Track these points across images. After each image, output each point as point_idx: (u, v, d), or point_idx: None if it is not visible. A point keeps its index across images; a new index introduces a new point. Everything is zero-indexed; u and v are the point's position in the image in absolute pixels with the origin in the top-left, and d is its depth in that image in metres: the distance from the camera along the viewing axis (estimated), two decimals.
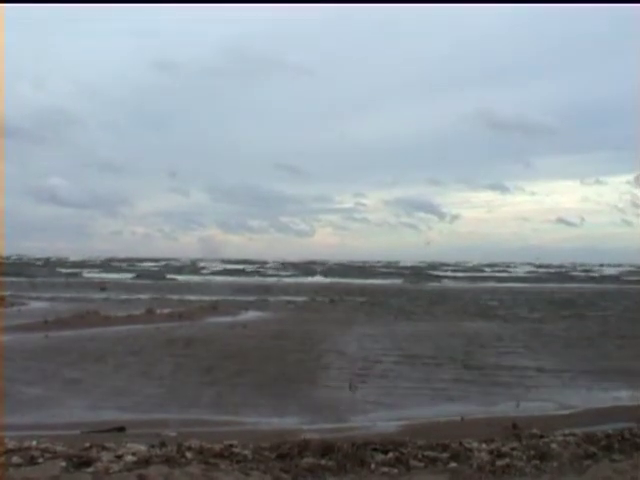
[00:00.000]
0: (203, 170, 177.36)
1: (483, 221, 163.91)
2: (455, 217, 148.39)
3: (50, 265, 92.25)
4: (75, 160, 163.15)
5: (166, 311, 26.60)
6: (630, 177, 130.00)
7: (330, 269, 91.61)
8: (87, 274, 76.20)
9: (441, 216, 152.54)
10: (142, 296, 38.11)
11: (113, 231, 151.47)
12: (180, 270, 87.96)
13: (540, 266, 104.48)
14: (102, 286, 46.37)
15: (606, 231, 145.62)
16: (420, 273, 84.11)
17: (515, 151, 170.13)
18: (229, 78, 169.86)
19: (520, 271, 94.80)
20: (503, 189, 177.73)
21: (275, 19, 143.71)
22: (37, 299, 33.71)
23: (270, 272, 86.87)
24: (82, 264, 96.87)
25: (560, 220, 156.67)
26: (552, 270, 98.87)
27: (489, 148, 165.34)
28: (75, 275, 73.01)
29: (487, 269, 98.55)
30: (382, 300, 38.27)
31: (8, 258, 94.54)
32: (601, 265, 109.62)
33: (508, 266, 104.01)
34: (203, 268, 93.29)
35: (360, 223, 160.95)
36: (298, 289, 49.27)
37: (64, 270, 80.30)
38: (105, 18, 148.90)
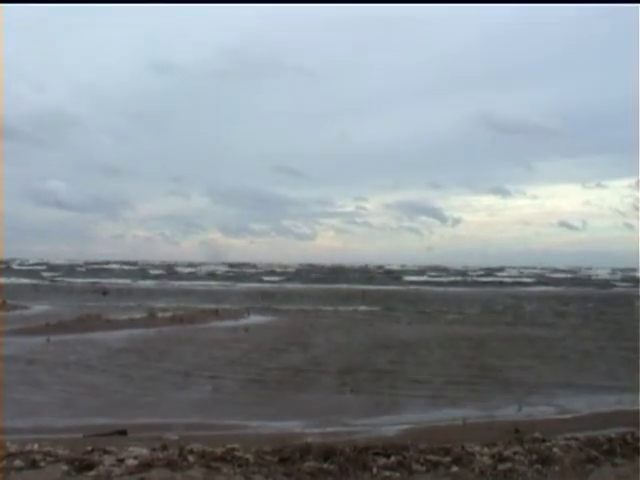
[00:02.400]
0: (203, 173, 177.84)
1: (485, 225, 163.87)
2: (457, 221, 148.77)
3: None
4: (75, 163, 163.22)
5: (168, 315, 26.62)
6: (632, 181, 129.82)
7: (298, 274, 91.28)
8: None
9: (443, 220, 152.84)
10: (143, 300, 38.19)
11: (114, 235, 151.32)
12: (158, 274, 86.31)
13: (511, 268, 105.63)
14: (104, 290, 46.42)
15: (609, 235, 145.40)
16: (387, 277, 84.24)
17: (516, 154, 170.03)
18: (229, 80, 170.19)
19: (501, 274, 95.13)
20: (504, 193, 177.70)
21: (275, 20, 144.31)
22: (39, 303, 33.72)
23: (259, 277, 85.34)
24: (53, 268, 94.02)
25: (562, 224, 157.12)
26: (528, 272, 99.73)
27: (490, 151, 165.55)
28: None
29: (472, 273, 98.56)
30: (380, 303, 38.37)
31: None
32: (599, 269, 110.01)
33: (500, 270, 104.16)
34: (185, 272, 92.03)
35: (362, 227, 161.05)
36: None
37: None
38: (104, 19, 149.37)
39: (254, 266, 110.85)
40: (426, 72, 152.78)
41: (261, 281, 76.21)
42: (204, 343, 19.33)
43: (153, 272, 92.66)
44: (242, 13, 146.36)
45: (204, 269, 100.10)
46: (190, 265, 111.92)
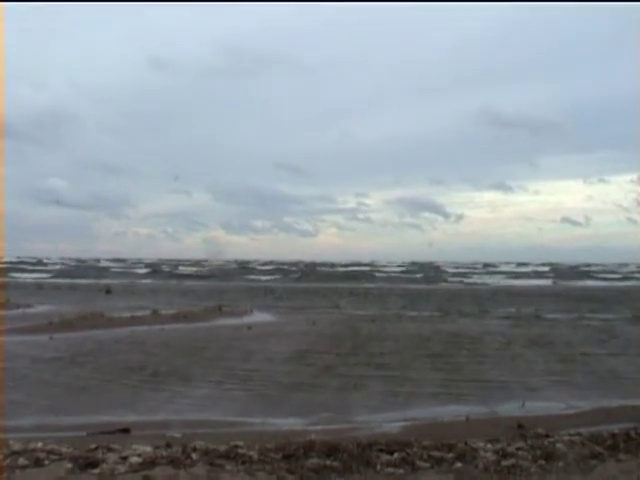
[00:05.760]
0: (204, 170, 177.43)
1: (487, 221, 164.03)
2: (459, 217, 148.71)
3: None
4: (75, 161, 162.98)
5: (171, 312, 26.63)
6: (634, 176, 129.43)
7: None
8: None
9: (445, 216, 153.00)
10: (147, 297, 38.26)
11: (116, 232, 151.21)
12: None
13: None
14: (107, 289, 46.43)
15: (612, 230, 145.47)
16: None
17: (518, 150, 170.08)
18: (229, 77, 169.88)
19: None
20: (506, 189, 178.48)
21: (275, 17, 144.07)
22: (42, 301, 33.76)
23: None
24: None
25: (565, 219, 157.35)
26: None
27: (492, 147, 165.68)
28: None
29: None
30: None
31: None
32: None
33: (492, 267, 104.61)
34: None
35: (363, 223, 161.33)
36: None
37: None
38: (104, 18, 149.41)
39: (248, 262, 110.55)
40: (427, 68, 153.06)
41: (249, 280, 75.98)
42: (208, 340, 19.33)
43: (156, 270, 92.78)
44: (242, 10, 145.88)
45: (206, 266, 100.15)
46: (192, 262, 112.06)
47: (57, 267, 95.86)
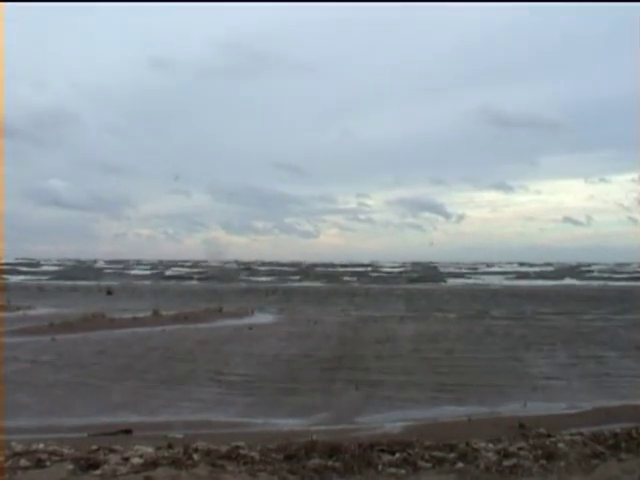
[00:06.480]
0: (205, 170, 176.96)
1: (488, 221, 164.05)
2: (460, 217, 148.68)
3: None
4: (75, 161, 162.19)
5: (172, 313, 26.61)
6: (635, 175, 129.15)
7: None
8: None
9: (446, 216, 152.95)
10: (148, 298, 38.26)
11: (116, 233, 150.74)
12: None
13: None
14: (108, 290, 46.44)
15: (613, 229, 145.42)
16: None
17: (519, 150, 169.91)
18: (230, 76, 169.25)
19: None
20: (507, 188, 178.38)
21: (275, 17, 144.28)
22: (43, 303, 33.77)
23: None
24: None
25: (566, 219, 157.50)
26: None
27: (492, 147, 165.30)
28: None
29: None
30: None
31: None
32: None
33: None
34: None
35: (364, 224, 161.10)
36: None
37: None
38: (104, 18, 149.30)
39: (249, 263, 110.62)
40: (428, 68, 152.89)
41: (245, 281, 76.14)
42: (209, 341, 19.34)
43: (156, 271, 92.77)
44: (242, 10, 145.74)
45: (207, 267, 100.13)
46: (193, 263, 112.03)
47: (57, 268, 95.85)
